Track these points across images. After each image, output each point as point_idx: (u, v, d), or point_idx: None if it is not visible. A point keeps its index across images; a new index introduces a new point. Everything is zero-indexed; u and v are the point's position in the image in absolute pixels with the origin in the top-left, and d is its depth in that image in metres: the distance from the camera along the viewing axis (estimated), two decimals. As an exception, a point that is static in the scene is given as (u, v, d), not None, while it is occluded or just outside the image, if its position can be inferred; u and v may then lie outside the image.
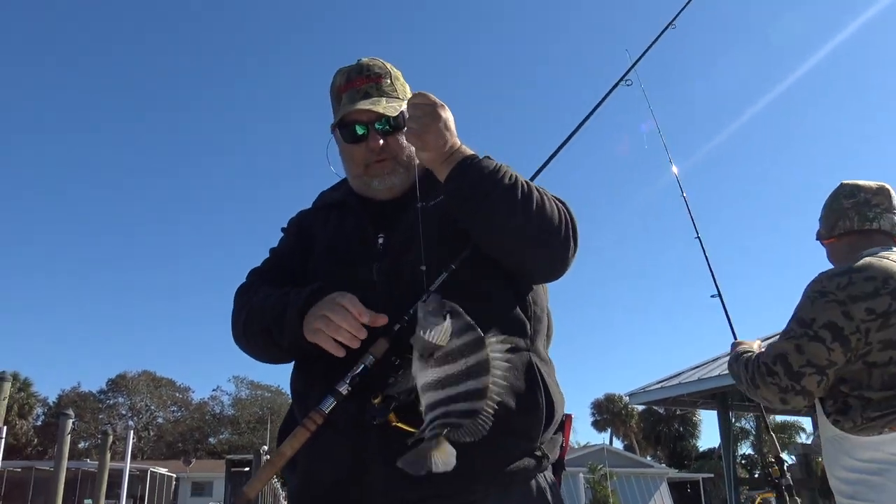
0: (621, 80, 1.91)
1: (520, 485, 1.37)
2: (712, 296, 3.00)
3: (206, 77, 79.66)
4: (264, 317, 1.48)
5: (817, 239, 2.43)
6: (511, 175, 1.40)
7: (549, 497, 1.40)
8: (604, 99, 1.84)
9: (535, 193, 1.40)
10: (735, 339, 2.60)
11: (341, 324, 1.31)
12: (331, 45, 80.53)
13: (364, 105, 1.51)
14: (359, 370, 1.30)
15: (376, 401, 1.29)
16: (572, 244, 1.44)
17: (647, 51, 2.00)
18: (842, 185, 2.37)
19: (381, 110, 1.50)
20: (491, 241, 1.42)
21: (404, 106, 1.53)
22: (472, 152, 1.44)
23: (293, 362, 1.56)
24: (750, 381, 2.15)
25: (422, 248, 1.41)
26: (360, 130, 1.54)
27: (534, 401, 1.39)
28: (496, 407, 1.20)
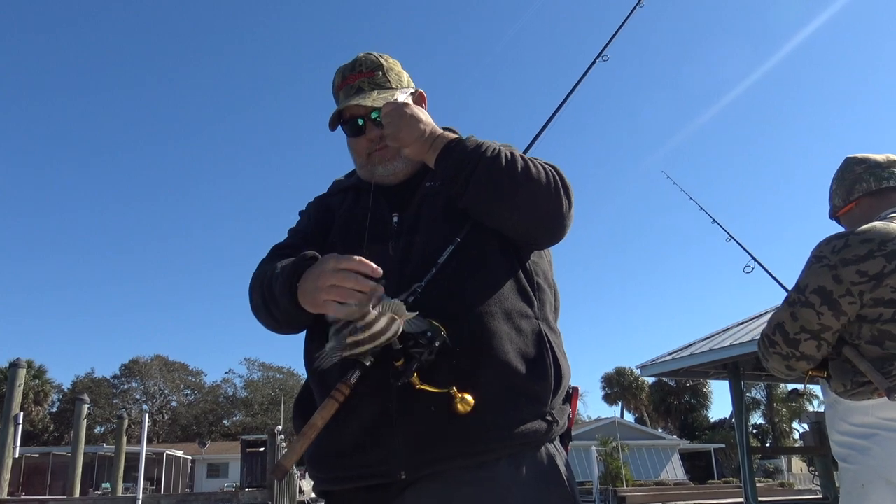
0: (598, 56, 1.95)
1: (531, 449, 1.41)
2: (747, 269, 3.00)
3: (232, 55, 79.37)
4: (262, 288, 1.54)
5: (832, 217, 2.43)
6: (494, 148, 1.47)
7: (559, 464, 1.44)
8: (583, 76, 1.89)
9: (520, 160, 1.46)
10: None
11: (359, 288, 1.31)
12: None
13: (353, 101, 1.60)
14: None
15: (398, 363, 1.33)
16: (565, 200, 1.49)
17: (622, 26, 2.02)
18: (849, 157, 2.38)
19: (369, 103, 1.59)
20: (486, 212, 1.48)
21: (398, 94, 1.63)
22: (454, 136, 1.52)
23: (305, 334, 1.59)
24: (762, 356, 2.19)
25: (366, 236, 1.47)
26: (360, 122, 1.63)
27: (543, 365, 1.44)
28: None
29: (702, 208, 3.43)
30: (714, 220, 3.36)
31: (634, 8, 2.01)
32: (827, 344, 2.02)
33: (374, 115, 1.60)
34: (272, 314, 1.52)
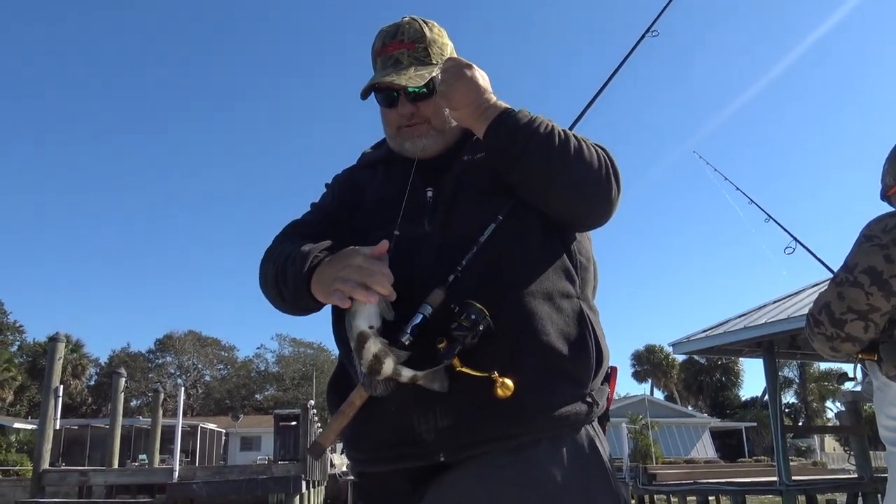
0: (648, 30, 1.87)
1: (571, 430, 1.39)
2: (787, 250, 2.97)
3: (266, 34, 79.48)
4: (275, 267, 1.51)
5: (883, 197, 2.39)
6: (547, 124, 1.42)
7: (599, 447, 1.42)
8: (632, 51, 1.81)
9: (573, 140, 1.42)
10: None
11: (377, 288, 1.31)
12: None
13: (388, 78, 1.52)
14: (418, 320, 1.33)
15: (441, 345, 1.30)
16: (615, 186, 1.45)
17: (670, 1, 1.94)
18: None
19: (403, 82, 1.51)
20: (533, 190, 1.43)
21: (435, 72, 1.54)
22: (507, 106, 1.45)
23: (332, 314, 1.57)
24: (808, 336, 2.14)
25: (402, 210, 1.45)
26: (394, 95, 1.58)
27: (584, 346, 1.41)
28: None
29: (738, 188, 3.40)
30: (752, 201, 3.31)
31: None
32: (875, 325, 1.96)
33: (409, 89, 1.54)
34: (280, 293, 1.51)
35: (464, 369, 1.29)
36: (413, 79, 1.52)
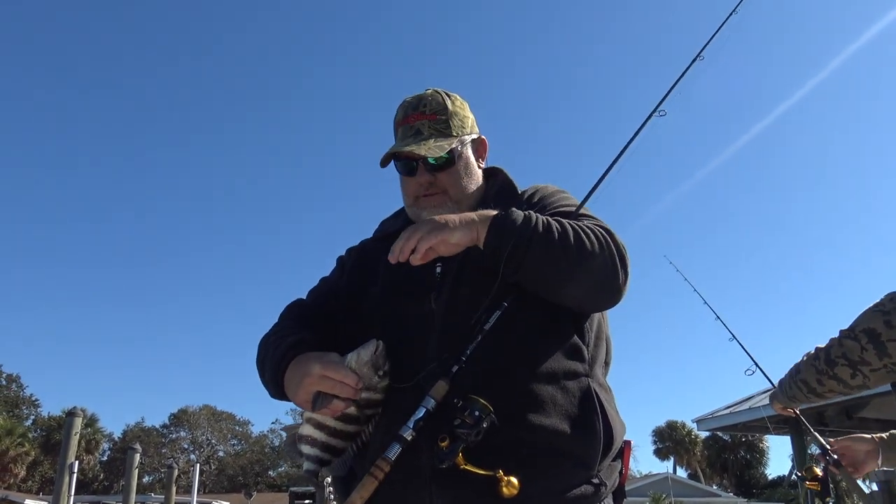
0: (655, 111, 1.86)
1: None
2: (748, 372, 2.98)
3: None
4: (260, 358, 1.58)
5: None
6: (543, 221, 1.40)
7: None
8: (638, 132, 1.79)
9: (571, 232, 1.39)
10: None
11: (339, 397, 1.36)
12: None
13: (407, 148, 1.55)
14: (421, 415, 1.32)
15: (444, 444, 1.27)
16: (620, 273, 1.42)
17: (677, 81, 1.94)
18: None
19: (423, 152, 1.53)
20: (539, 288, 1.42)
21: (455, 144, 1.59)
22: (494, 212, 1.42)
23: None
24: (795, 370, 2.26)
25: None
26: (413, 164, 1.60)
27: (591, 427, 1.38)
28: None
29: (706, 303, 3.30)
30: (717, 317, 3.22)
31: (693, 61, 1.91)
32: (863, 376, 2.07)
33: (429, 160, 1.57)
34: (264, 383, 1.58)
35: (468, 467, 1.27)
36: (432, 149, 1.55)
